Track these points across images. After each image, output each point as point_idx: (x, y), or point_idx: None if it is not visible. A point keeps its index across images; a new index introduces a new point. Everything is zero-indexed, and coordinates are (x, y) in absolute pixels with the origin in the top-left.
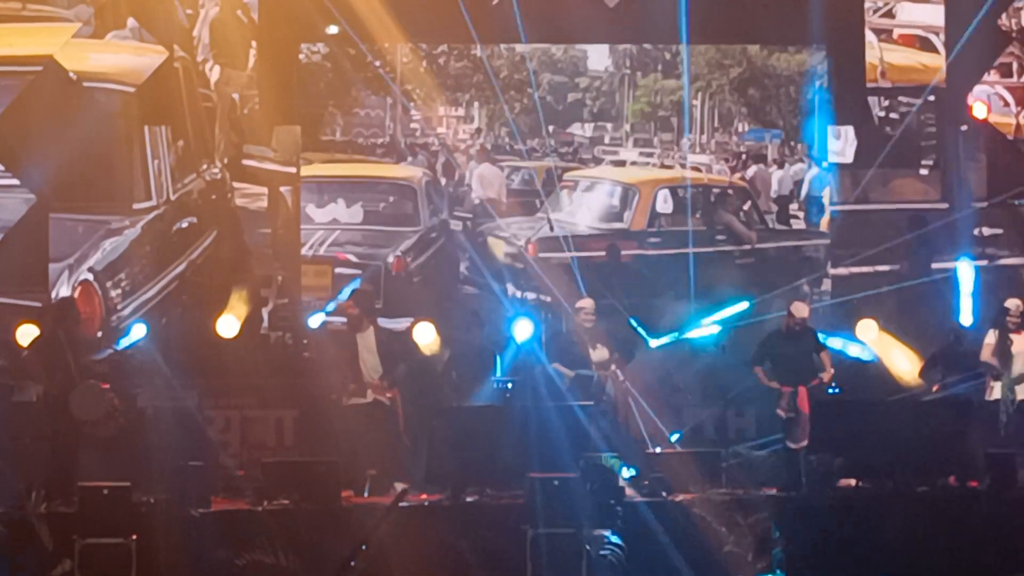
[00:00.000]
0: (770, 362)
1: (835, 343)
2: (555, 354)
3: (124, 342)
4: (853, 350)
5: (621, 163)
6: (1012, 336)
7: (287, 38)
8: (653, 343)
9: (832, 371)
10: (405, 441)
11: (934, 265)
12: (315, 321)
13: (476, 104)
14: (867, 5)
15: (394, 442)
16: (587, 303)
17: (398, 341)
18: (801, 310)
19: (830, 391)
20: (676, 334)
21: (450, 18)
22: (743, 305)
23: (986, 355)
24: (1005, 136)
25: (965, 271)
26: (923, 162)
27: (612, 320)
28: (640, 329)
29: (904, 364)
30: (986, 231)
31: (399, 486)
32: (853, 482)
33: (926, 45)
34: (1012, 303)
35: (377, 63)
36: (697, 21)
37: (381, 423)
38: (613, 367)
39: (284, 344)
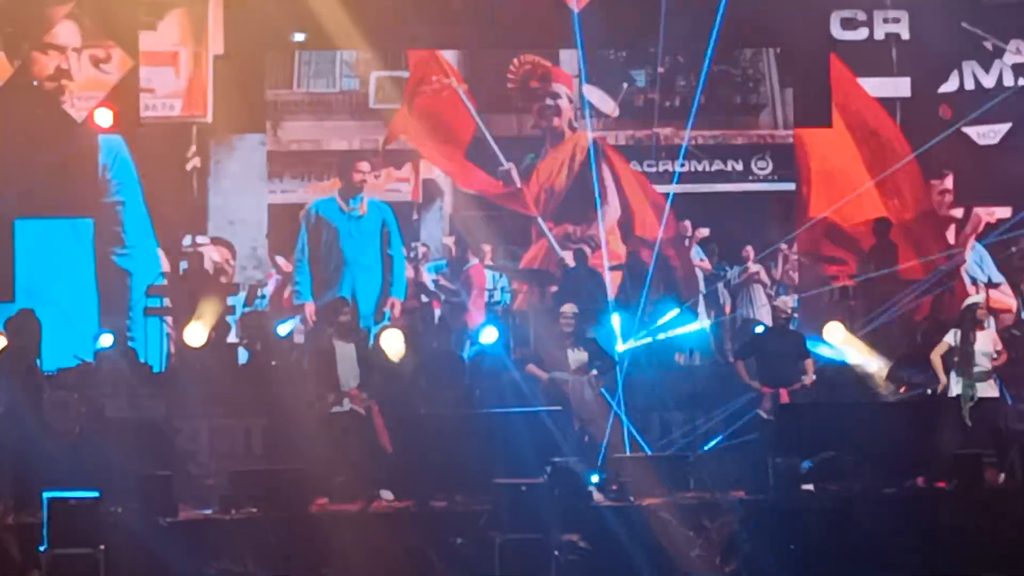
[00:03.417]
0: (756, 359)
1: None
2: (530, 357)
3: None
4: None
5: None
6: (976, 333)
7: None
8: (620, 347)
9: (814, 378)
10: (387, 449)
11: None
12: (284, 329)
13: None
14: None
15: (372, 451)
16: (568, 308)
17: (374, 350)
18: (786, 303)
19: None
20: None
21: (415, 24)
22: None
23: (936, 354)
24: (971, 139)
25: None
26: None
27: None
28: (599, 340)
29: (871, 366)
30: None
31: (385, 494)
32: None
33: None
34: (979, 298)
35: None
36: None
37: (357, 432)
38: (593, 372)
39: (252, 353)
